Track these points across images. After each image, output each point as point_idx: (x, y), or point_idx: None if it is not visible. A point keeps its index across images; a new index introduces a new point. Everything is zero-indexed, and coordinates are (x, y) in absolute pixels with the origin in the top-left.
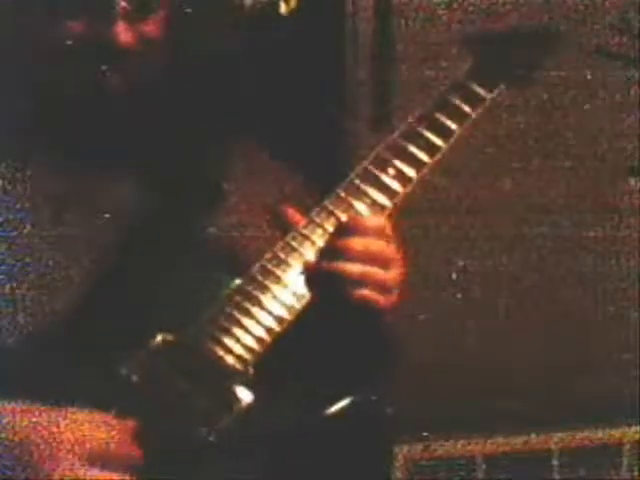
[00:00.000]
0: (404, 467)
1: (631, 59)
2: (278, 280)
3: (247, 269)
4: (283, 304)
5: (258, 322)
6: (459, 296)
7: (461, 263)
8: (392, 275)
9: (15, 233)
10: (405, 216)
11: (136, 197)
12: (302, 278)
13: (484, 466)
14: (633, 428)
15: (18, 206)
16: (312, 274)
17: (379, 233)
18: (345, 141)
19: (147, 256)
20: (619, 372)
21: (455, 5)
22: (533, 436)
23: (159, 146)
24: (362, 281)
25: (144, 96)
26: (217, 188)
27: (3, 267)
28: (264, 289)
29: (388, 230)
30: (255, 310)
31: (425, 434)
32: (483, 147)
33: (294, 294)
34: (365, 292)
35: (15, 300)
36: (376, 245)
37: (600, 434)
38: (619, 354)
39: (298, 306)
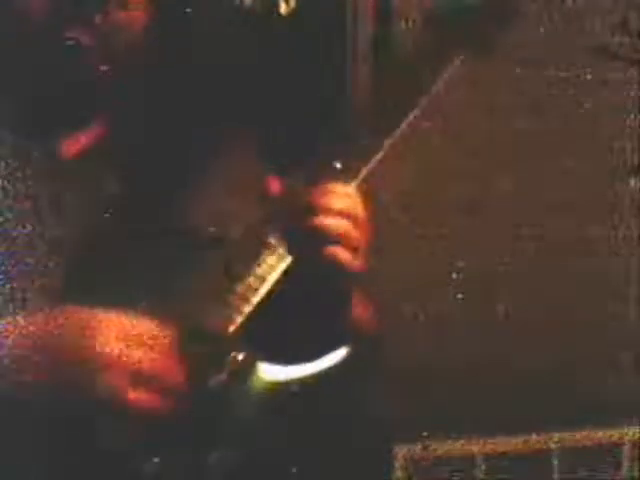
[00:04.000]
0: (404, 467)
1: (631, 59)
2: (260, 242)
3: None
4: (267, 264)
5: (243, 283)
6: (459, 296)
7: (461, 263)
8: (363, 236)
9: (15, 233)
10: (405, 216)
11: (122, 186)
12: (281, 237)
13: (484, 466)
14: (633, 428)
15: (18, 206)
16: (288, 231)
17: (352, 197)
18: (345, 141)
19: (128, 242)
20: (619, 372)
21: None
22: (533, 436)
23: (157, 145)
24: (335, 238)
25: (138, 88)
26: (214, 183)
27: (3, 267)
28: (247, 251)
29: (359, 197)
30: (239, 271)
31: (425, 434)
32: (483, 147)
33: (277, 254)
34: (337, 250)
35: (15, 300)
36: (350, 205)
37: (600, 434)
38: (619, 354)
39: (281, 266)
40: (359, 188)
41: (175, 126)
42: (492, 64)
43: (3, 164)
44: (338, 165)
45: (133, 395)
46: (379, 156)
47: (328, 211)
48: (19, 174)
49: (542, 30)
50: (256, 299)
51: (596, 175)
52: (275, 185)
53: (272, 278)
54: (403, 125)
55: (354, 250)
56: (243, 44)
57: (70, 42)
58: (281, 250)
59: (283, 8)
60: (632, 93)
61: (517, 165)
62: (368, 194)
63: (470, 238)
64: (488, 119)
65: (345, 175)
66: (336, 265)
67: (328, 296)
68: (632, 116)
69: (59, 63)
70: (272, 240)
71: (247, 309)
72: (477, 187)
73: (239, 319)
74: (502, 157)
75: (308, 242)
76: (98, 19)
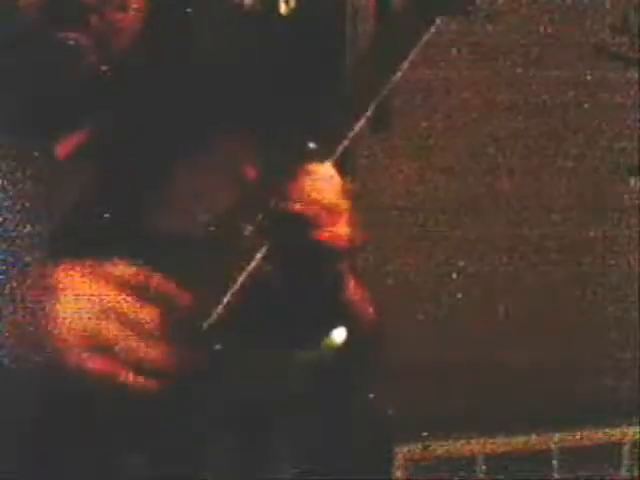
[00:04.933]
0: (404, 467)
1: (631, 59)
2: (236, 231)
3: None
4: (244, 253)
5: (219, 272)
6: (459, 296)
7: (461, 263)
8: (344, 215)
9: (15, 233)
10: (405, 216)
11: (118, 185)
12: (259, 225)
13: (484, 466)
14: (633, 428)
15: (18, 206)
16: (269, 219)
17: (330, 178)
18: (318, 119)
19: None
20: (619, 372)
21: None
22: (533, 436)
23: (153, 146)
24: (317, 221)
25: (136, 88)
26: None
27: (3, 267)
28: (223, 241)
29: (337, 177)
30: (214, 260)
31: (425, 434)
32: (483, 147)
33: (254, 242)
34: (320, 232)
35: (15, 300)
36: (329, 186)
37: (600, 434)
38: (619, 354)
39: (258, 254)
40: (335, 166)
41: (174, 126)
42: (492, 64)
43: (3, 164)
44: (312, 145)
45: (92, 363)
46: (354, 132)
47: (308, 194)
48: (19, 174)
49: (542, 30)
50: (234, 288)
51: (596, 175)
52: (251, 171)
53: (250, 266)
54: (379, 98)
55: (337, 230)
56: (243, 44)
57: (68, 43)
58: (258, 238)
59: (283, 8)
60: (632, 93)
61: (517, 165)
62: (342, 172)
63: (470, 238)
64: (488, 119)
65: (319, 155)
66: (321, 247)
67: (319, 279)
68: (632, 116)
69: (57, 64)
70: (248, 228)
71: (225, 299)
72: (477, 187)
73: (218, 309)
74: (502, 157)
75: (290, 227)
76: (95, 20)
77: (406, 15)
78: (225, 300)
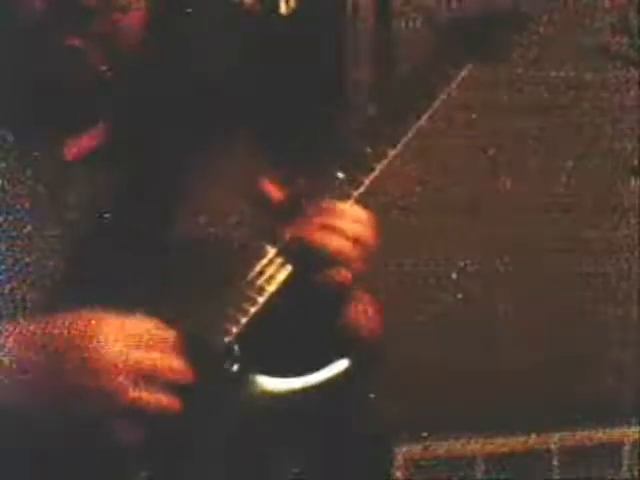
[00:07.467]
0: (404, 467)
1: (631, 59)
2: (260, 251)
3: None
4: (265, 274)
5: (239, 293)
6: (459, 296)
7: (461, 263)
8: (365, 260)
9: (15, 233)
10: (406, 216)
11: (123, 188)
12: (282, 250)
13: (484, 466)
14: (633, 428)
15: (18, 206)
16: (292, 245)
17: (362, 221)
18: (344, 141)
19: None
20: (619, 372)
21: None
22: (533, 436)
23: (153, 145)
24: (339, 260)
25: (139, 90)
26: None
27: (3, 267)
28: (244, 260)
29: (369, 221)
30: (237, 280)
31: (425, 434)
32: (483, 147)
33: (276, 264)
34: (338, 272)
35: (15, 300)
36: (359, 230)
37: (600, 434)
38: (619, 354)
39: (280, 276)
40: (361, 198)
41: (176, 127)
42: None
43: (5, 165)
44: (340, 175)
45: (135, 395)
46: (382, 166)
47: (338, 232)
48: (21, 176)
49: (542, 30)
50: (254, 309)
51: (596, 175)
52: (276, 192)
53: (270, 288)
54: (409, 134)
55: (353, 272)
56: (243, 44)
57: (71, 45)
58: (281, 260)
59: (283, 8)
60: (632, 93)
61: (517, 165)
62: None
63: (470, 238)
64: (488, 119)
65: (347, 186)
66: (333, 285)
67: (325, 309)
68: (632, 116)
69: (60, 66)
70: (272, 250)
71: (244, 319)
72: (477, 187)
73: (236, 329)
74: (502, 157)
75: (310, 258)
76: (98, 23)
77: (438, 59)
78: (244, 321)
